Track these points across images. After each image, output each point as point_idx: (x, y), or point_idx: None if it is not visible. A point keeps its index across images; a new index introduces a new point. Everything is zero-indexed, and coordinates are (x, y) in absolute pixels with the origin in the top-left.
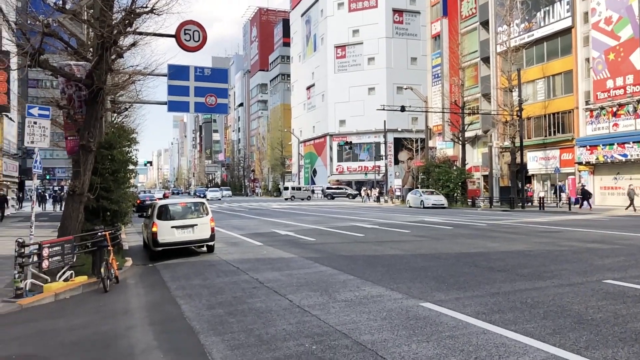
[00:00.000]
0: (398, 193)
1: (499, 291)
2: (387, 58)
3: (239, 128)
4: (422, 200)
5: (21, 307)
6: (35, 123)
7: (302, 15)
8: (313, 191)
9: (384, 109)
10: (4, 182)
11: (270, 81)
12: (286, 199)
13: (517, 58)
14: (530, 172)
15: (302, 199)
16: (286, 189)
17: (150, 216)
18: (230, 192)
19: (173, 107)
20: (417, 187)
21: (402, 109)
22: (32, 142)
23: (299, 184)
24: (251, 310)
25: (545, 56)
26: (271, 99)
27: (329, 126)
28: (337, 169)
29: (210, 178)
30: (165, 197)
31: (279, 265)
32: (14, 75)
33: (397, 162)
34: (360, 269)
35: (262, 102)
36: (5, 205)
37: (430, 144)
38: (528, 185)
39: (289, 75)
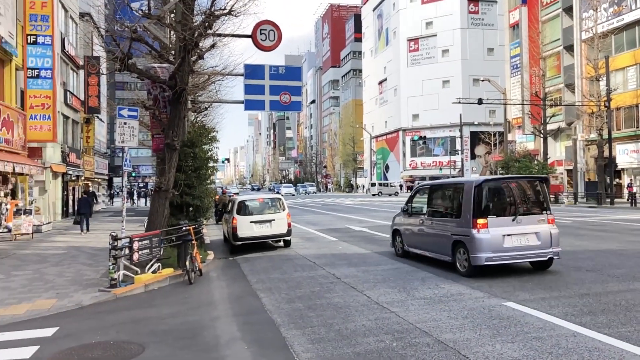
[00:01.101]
0: None
1: (588, 292)
2: (462, 49)
3: (311, 125)
4: None
5: (115, 296)
6: (125, 123)
7: (374, 9)
8: (401, 186)
9: (459, 102)
10: (96, 179)
11: (342, 77)
12: (373, 195)
13: (605, 45)
14: (620, 166)
15: (390, 195)
16: (373, 185)
17: (230, 211)
18: (315, 189)
19: (249, 105)
20: None
21: (480, 101)
22: (123, 142)
23: (371, 180)
24: (330, 305)
25: (638, 41)
26: (343, 95)
27: (401, 121)
28: (410, 165)
29: (284, 174)
30: (223, 192)
31: (355, 261)
32: (103, 79)
33: (473, 156)
34: (440, 266)
35: (333, 99)
36: (95, 201)
37: (510, 137)
38: (618, 180)
39: (360, 71)
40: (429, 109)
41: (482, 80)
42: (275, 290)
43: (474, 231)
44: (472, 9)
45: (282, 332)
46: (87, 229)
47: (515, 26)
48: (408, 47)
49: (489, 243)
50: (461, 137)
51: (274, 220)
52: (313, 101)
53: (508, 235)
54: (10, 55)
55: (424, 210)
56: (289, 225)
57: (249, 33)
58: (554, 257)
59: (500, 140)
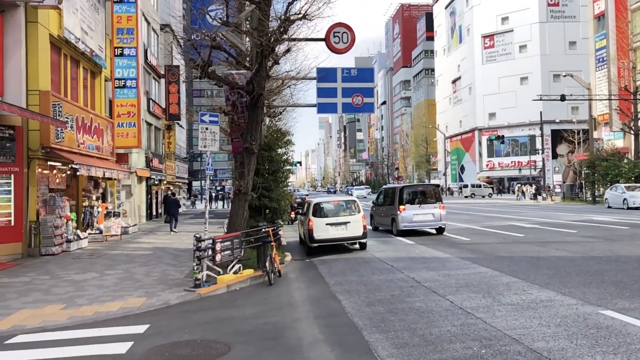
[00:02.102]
0: (558, 190)
1: None
2: (542, 44)
3: (382, 126)
4: (625, 199)
5: (200, 296)
6: (207, 129)
7: (446, 7)
8: (493, 189)
9: (540, 99)
10: (177, 183)
11: (414, 77)
12: (466, 197)
13: None
14: None
15: (483, 197)
16: (465, 186)
17: (306, 213)
18: (369, 190)
19: (322, 108)
20: (580, 183)
21: (562, 98)
22: (205, 147)
23: (446, 181)
24: (411, 310)
25: None
26: (414, 95)
27: (477, 120)
28: (487, 165)
29: (355, 176)
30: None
31: (434, 264)
32: (183, 87)
33: (555, 156)
34: (523, 271)
35: (405, 99)
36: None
37: (595, 135)
38: None
39: (432, 70)
40: (506, 107)
41: (564, 76)
42: (355, 293)
43: (398, 212)
44: (551, 1)
45: (365, 335)
46: (175, 228)
47: (600, 17)
48: (483, 44)
49: (405, 218)
50: (542, 135)
51: (349, 222)
52: (384, 102)
53: (416, 214)
54: (100, 68)
55: (381, 202)
56: (365, 227)
57: (323, 36)
58: (442, 227)
59: (585, 139)
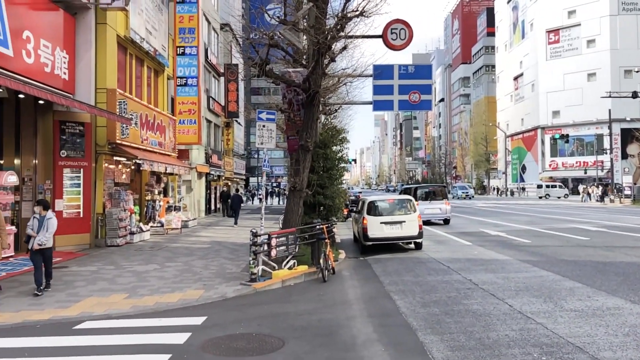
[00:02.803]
0: (627, 192)
1: None
2: (612, 38)
3: (439, 124)
4: None
5: (255, 290)
6: (264, 126)
7: (509, 1)
8: (571, 189)
9: (609, 97)
10: (235, 179)
11: (473, 74)
12: (540, 197)
13: None
14: None
15: (559, 197)
16: (539, 186)
17: (360, 211)
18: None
19: (378, 106)
20: None
21: (634, 95)
22: (262, 143)
23: (506, 181)
24: (468, 312)
25: None
26: (474, 92)
27: (539, 118)
28: (549, 165)
29: (411, 175)
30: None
31: (492, 266)
32: (241, 85)
33: (625, 156)
34: (588, 276)
35: (464, 96)
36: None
37: None
38: None
39: (493, 67)
40: (571, 104)
41: (637, 71)
42: (409, 293)
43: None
44: None
45: (419, 336)
46: (236, 223)
47: None
48: (547, 39)
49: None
50: (610, 134)
51: (404, 221)
52: (442, 100)
53: (427, 208)
54: (163, 66)
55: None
56: (420, 227)
57: (380, 33)
58: (448, 218)
59: None
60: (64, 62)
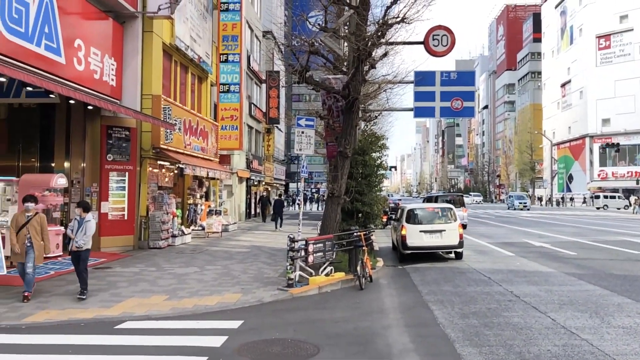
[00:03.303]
0: None
1: None
2: None
3: (483, 131)
4: None
5: (292, 295)
6: (302, 132)
7: (556, 6)
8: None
9: None
10: (275, 184)
11: (518, 80)
12: (598, 208)
13: None
14: None
15: (618, 209)
16: (597, 197)
17: (399, 219)
18: (481, 198)
19: (419, 112)
20: None
21: None
22: (300, 150)
23: (552, 191)
24: (508, 325)
25: None
26: (519, 100)
27: (588, 126)
28: (598, 175)
29: (453, 183)
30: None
31: (535, 279)
32: (282, 91)
33: None
34: (638, 291)
35: (508, 103)
36: (269, 206)
37: None
38: None
39: (539, 73)
40: (623, 112)
41: None
42: (448, 304)
43: None
44: None
45: (457, 348)
46: (280, 226)
47: None
48: (597, 45)
49: None
50: None
51: (444, 230)
52: (486, 107)
53: None
54: (207, 73)
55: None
56: (461, 236)
57: (422, 39)
58: (465, 224)
59: None
60: (112, 69)
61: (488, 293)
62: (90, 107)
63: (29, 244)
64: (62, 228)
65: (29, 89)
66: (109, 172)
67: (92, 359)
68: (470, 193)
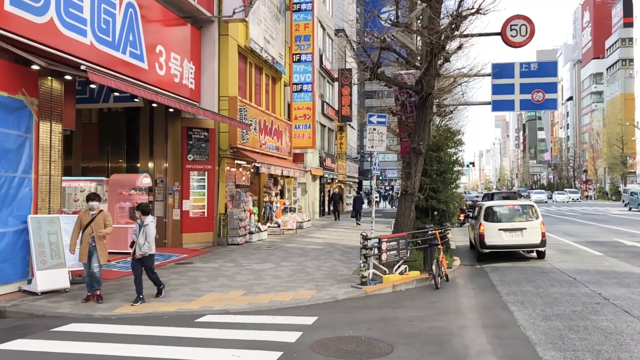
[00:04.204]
0: None
1: None
2: None
3: (567, 124)
4: None
5: (366, 293)
6: (374, 130)
7: None
8: None
9: None
10: (348, 182)
11: (607, 69)
12: None
13: None
14: None
15: None
16: None
17: (476, 217)
18: (578, 195)
19: (497, 106)
20: None
21: None
22: (372, 147)
23: None
24: (596, 329)
25: None
26: (608, 89)
27: None
28: None
29: (535, 179)
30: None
31: (627, 280)
32: (354, 89)
33: None
34: None
35: (595, 94)
36: (341, 203)
37: None
38: None
39: (631, 61)
40: None
41: None
42: (529, 305)
43: None
44: None
45: (539, 351)
46: (359, 222)
47: None
48: None
49: None
50: None
51: (525, 228)
52: (570, 98)
53: None
54: (280, 74)
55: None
56: (543, 235)
57: (498, 30)
58: None
59: None
60: (191, 73)
61: (573, 294)
62: (171, 110)
63: (93, 244)
64: None
65: (116, 94)
66: (190, 171)
67: (174, 350)
68: (565, 189)
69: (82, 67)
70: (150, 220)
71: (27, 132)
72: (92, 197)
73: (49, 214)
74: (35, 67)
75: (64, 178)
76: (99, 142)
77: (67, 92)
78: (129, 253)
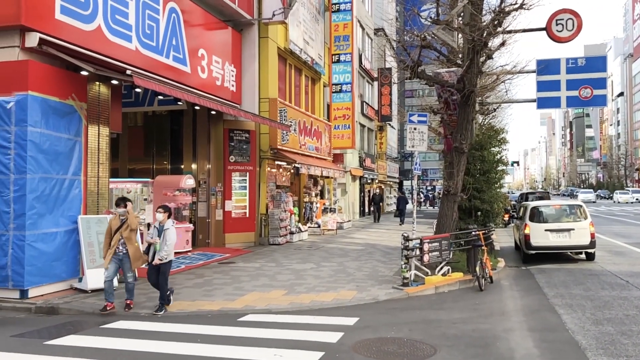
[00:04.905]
0: None
1: None
2: None
3: (617, 121)
4: None
5: (408, 294)
6: (415, 129)
7: None
8: None
9: None
10: (388, 182)
11: None
12: None
13: None
14: None
15: None
16: None
17: (522, 217)
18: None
19: (542, 103)
20: None
21: None
22: (413, 146)
23: None
24: None
25: None
26: None
27: None
28: None
29: (583, 178)
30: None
31: None
32: (394, 88)
33: None
34: None
35: None
36: (381, 204)
37: None
38: None
39: None
40: None
41: None
42: (578, 308)
43: None
44: None
45: (589, 357)
46: (403, 222)
47: None
48: None
49: None
50: None
51: (573, 229)
52: (621, 94)
53: None
54: (319, 75)
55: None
56: (593, 235)
57: (543, 25)
58: None
59: None
60: (232, 75)
61: (626, 298)
62: (213, 112)
63: (124, 251)
64: (192, 225)
65: (161, 97)
66: (232, 172)
67: (218, 349)
68: (628, 188)
69: (128, 72)
70: (171, 224)
71: (76, 135)
72: (119, 202)
73: (98, 214)
74: (84, 72)
75: (111, 180)
76: (144, 145)
77: (114, 96)
78: (174, 252)
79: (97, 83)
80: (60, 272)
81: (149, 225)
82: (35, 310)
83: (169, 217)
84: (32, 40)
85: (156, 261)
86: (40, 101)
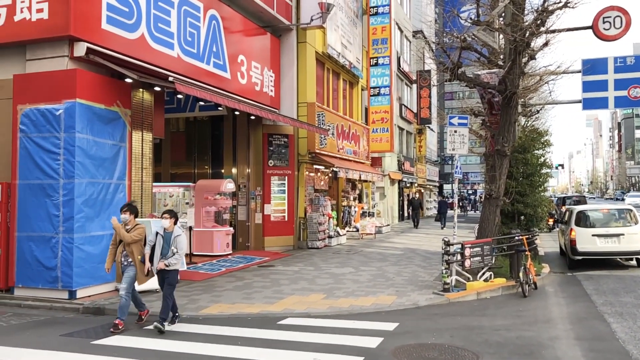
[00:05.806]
0: None
1: None
2: None
3: None
4: None
5: (449, 300)
6: (455, 132)
7: None
8: None
9: None
10: (428, 186)
11: None
12: None
13: None
14: None
15: None
16: None
17: (567, 222)
18: None
19: (588, 104)
20: None
21: None
22: (453, 149)
23: None
24: None
25: None
26: None
27: None
28: None
29: (633, 181)
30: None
31: None
32: (434, 90)
33: None
34: None
35: None
36: (420, 209)
37: None
38: None
39: None
40: None
41: None
42: (629, 317)
43: None
44: None
45: None
46: (444, 226)
47: None
48: None
49: None
50: None
51: (622, 234)
52: None
53: None
54: (358, 78)
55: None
56: None
57: (589, 24)
58: None
59: None
60: (271, 81)
61: None
62: (252, 117)
63: (130, 260)
64: (232, 229)
65: (202, 103)
66: (271, 176)
67: (257, 351)
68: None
69: (170, 79)
70: (181, 231)
71: (121, 141)
72: (123, 207)
73: (141, 218)
74: (128, 80)
75: (154, 184)
76: (186, 150)
77: (157, 102)
78: (215, 255)
79: (141, 90)
80: (105, 274)
81: (190, 228)
82: (82, 310)
83: (175, 223)
84: (80, 49)
85: (160, 265)
86: (87, 108)
